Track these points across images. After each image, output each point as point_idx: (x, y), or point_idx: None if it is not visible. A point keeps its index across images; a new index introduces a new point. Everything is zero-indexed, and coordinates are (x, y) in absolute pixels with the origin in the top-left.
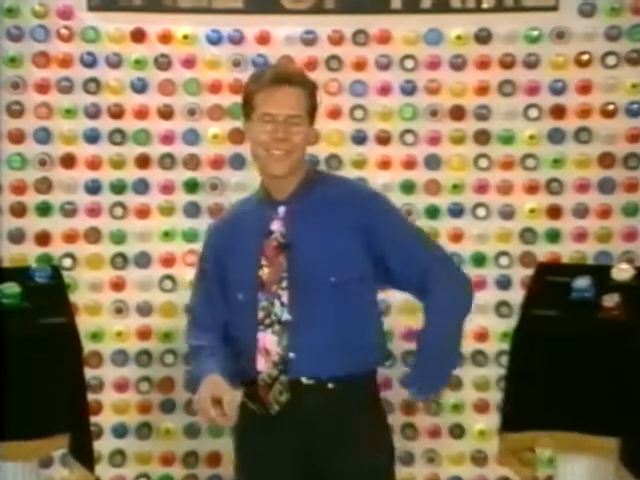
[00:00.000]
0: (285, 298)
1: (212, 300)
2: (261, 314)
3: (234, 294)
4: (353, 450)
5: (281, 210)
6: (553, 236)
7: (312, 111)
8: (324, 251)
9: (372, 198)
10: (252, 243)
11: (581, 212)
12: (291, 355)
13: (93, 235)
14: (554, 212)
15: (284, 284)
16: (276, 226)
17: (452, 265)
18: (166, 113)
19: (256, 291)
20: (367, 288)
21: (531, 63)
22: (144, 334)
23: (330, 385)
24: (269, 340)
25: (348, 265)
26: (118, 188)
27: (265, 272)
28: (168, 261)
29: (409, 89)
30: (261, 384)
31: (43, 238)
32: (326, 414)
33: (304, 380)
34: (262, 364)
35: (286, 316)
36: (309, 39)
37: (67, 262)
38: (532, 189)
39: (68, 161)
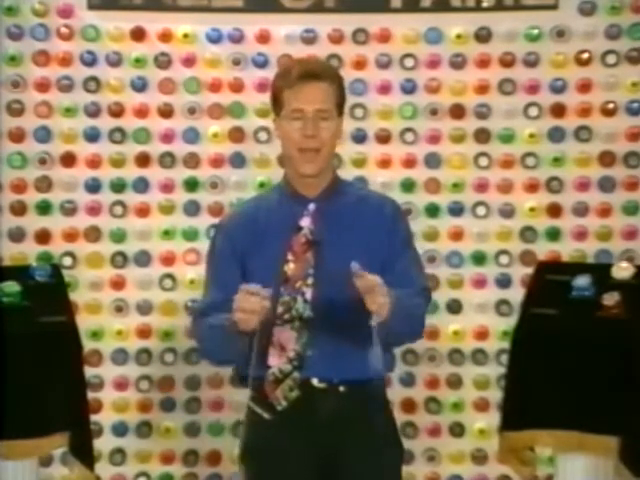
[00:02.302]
0: (309, 295)
1: (231, 293)
2: (280, 309)
3: None
4: (366, 450)
5: (311, 207)
6: (553, 235)
7: (340, 104)
8: (353, 251)
9: (400, 210)
10: (278, 237)
11: (581, 211)
12: (309, 352)
13: (93, 234)
14: (554, 211)
15: (309, 281)
16: (305, 222)
17: (427, 300)
18: (166, 112)
19: (279, 285)
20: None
21: (531, 62)
22: (144, 333)
23: (341, 388)
24: (286, 336)
25: (374, 268)
26: (118, 187)
27: (291, 267)
28: (168, 260)
29: (409, 88)
30: (270, 379)
31: (43, 237)
32: (338, 415)
33: (315, 383)
34: (274, 359)
35: (308, 313)
36: (309, 38)
37: (67, 261)
38: (532, 188)
39: (68, 160)
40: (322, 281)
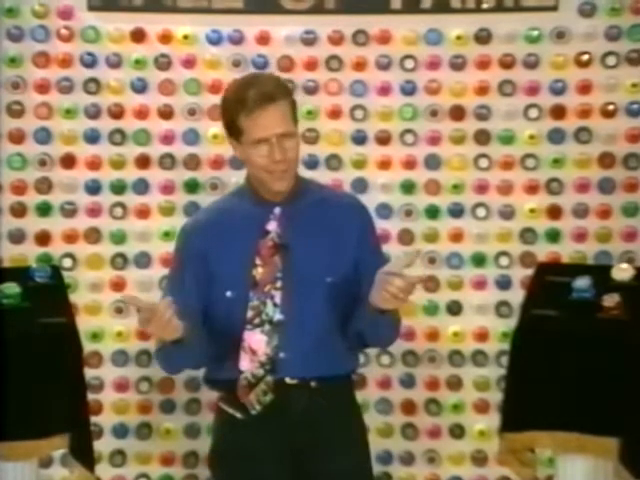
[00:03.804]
0: (278, 298)
1: (189, 303)
2: (250, 313)
3: (221, 292)
4: (339, 450)
5: (277, 210)
6: (553, 236)
7: (295, 115)
8: (321, 252)
9: (366, 210)
10: (245, 242)
11: (581, 212)
12: (281, 355)
13: (93, 235)
14: (554, 212)
15: (278, 284)
16: (272, 226)
17: None
18: (166, 113)
19: (247, 290)
20: (357, 291)
21: (531, 63)
22: (144, 334)
23: (313, 384)
24: (257, 340)
25: (344, 266)
26: (118, 188)
27: (259, 271)
28: (168, 261)
29: (409, 89)
30: (243, 383)
31: (43, 238)
32: (311, 415)
33: (288, 380)
34: (246, 363)
35: (278, 316)
36: (309, 39)
37: (67, 262)
38: (532, 189)
39: (68, 161)
40: (291, 284)
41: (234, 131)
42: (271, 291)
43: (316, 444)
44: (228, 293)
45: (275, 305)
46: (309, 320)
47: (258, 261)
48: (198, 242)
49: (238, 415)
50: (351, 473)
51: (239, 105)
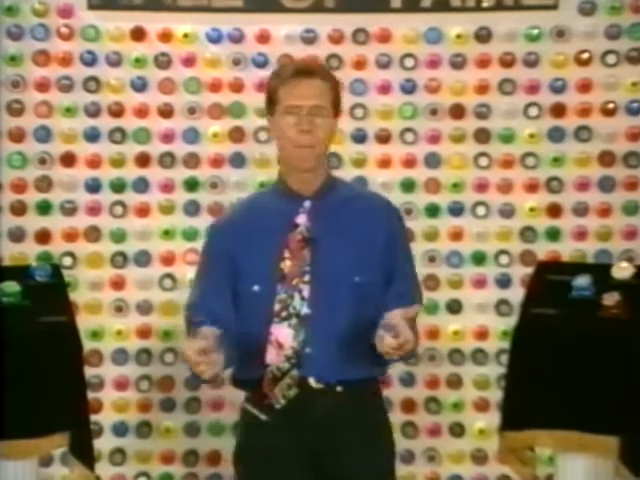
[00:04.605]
0: (306, 292)
1: (223, 297)
2: (277, 306)
3: (248, 286)
4: (363, 450)
5: (307, 204)
6: (553, 235)
7: (336, 104)
8: (349, 250)
9: (398, 213)
10: (274, 236)
11: (581, 211)
12: (307, 350)
13: (93, 234)
14: (554, 211)
15: (306, 278)
16: (301, 220)
17: (420, 302)
18: (166, 112)
19: (275, 283)
20: (383, 294)
21: (531, 62)
22: (144, 333)
23: (339, 388)
24: (284, 333)
25: (371, 268)
26: (118, 187)
27: (287, 265)
28: (168, 260)
29: (409, 88)
30: (268, 377)
31: (43, 236)
32: (336, 415)
33: (313, 383)
34: (272, 357)
35: (305, 310)
36: (309, 38)
37: (67, 261)
38: (532, 188)
39: (68, 160)
40: (319, 278)
41: (271, 104)
42: (299, 285)
43: (339, 446)
44: (255, 287)
45: (303, 299)
46: (335, 316)
47: (287, 254)
48: (224, 240)
49: (262, 417)
50: (375, 475)
51: (278, 77)
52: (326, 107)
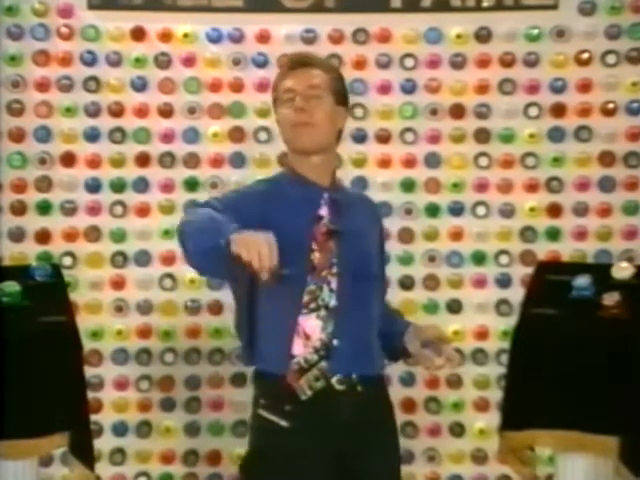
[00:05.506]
0: (334, 284)
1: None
2: (306, 297)
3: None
4: (384, 450)
5: (326, 196)
6: (553, 234)
7: (338, 94)
8: (368, 243)
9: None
10: (300, 223)
11: (581, 211)
12: (335, 342)
13: (93, 233)
14: (554, 210)
15: (334, 270)
16: (324, 211)
17: None
18: (166, 112)
19: (305, 273)
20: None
21: (531, 62)
22: (144, 332)
23: (359, 388)
24: (312, 325)
25: (381, 262)
26: (118, 186)
27: (316, 256)
28: (168, 259)
29: (409, 88)
30: (294, 368)
31: (43, 236)
32: (358, 416)
33: (335, 385)
34: (299, 348)
35: (333, 302)
36: (309, 38)
37: (67, 260)
38: (532, 187)
39: (68, 159)
40: (346, 270)
41: (274, 101)
42: (328, 276)
43: (362, 447)
44: (284, 270)
45: (331, 291)
46: (361, 309)
47: (315, 246)
48: (257, 199)
49: (282, 423)
50: (392, 474)
51: (279, 73)
52: (321, 91)
